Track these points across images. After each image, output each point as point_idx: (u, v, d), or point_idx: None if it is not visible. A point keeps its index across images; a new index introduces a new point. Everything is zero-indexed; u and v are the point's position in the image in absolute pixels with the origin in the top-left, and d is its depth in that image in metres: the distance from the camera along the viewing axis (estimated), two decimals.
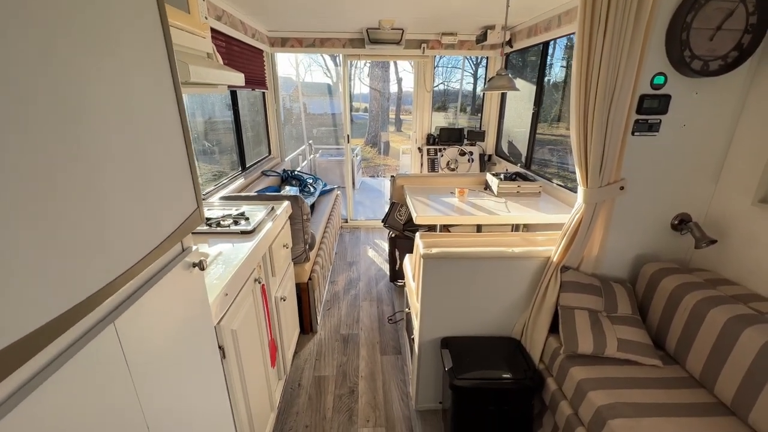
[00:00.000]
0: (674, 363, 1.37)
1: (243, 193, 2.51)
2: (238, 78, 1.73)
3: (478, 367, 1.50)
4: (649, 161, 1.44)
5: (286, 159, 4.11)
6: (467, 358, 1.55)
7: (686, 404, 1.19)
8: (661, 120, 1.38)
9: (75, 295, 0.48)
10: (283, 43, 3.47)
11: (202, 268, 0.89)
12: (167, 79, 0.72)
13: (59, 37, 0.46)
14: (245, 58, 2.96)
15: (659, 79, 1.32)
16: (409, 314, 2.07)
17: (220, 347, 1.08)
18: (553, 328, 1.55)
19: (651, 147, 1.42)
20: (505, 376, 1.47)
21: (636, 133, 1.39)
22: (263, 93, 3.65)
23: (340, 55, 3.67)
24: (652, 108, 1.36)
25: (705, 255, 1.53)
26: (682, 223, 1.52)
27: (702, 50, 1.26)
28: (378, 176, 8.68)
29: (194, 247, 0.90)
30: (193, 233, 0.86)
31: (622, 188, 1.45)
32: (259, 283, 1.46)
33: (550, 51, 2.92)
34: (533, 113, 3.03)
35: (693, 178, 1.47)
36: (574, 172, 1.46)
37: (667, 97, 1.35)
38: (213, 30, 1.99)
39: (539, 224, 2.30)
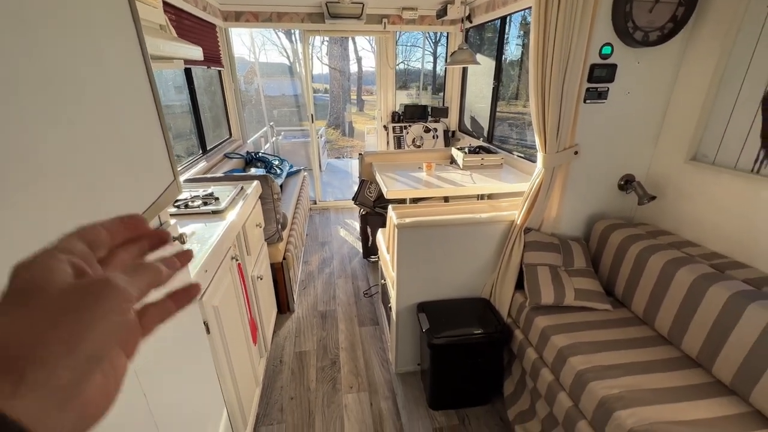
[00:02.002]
0: (622, 306, 1.55)
1: (209, 175, 2.42)
2: (195, 51, 1.65)
3: (452, 327, 1.61)
4: (599, 127, 1.57)
5: (248, 141, 3.97)
6: (442, 319, 1.66)
7: (632, 339, 1.37)
8: (608, 88, 1.50)
9: None
10: (238, 17, 3.29)
11: (183, 242, 0.89)
12: (135, 45, 0.70)
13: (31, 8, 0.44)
14: (198, 33, 2.79)
15: (607, 50, 1.43)
16: (384, 286, 2.14)
17: (204, 323, 1.08)
18: (519, 286, 1.68)
19: (600, 114, 1.55)
20: (477, 332, 1.59)
21: (587, 101, 1.51)
22: (219, 72, 3.47)
23: (298, 32, 3.55)
24: (601, 77, 1.47)
25: (646, 210, 1.71)
26: (627, 183, 1.68)
27: (643, 22, 1.38)
28: (344, 157, 8.60)
29: (172, 222, 0.89)
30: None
31: (576, 153, 1.58)
32: (236, 261, 1.46)
33: (507, 27, 3.01)
34: (493, 88, 3.13)
35: (636, 141, 1.62)
36: (533, 147, 1.57)
37: (614, 66, 1.47)
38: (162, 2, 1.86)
39: (502, 193, 2.43)
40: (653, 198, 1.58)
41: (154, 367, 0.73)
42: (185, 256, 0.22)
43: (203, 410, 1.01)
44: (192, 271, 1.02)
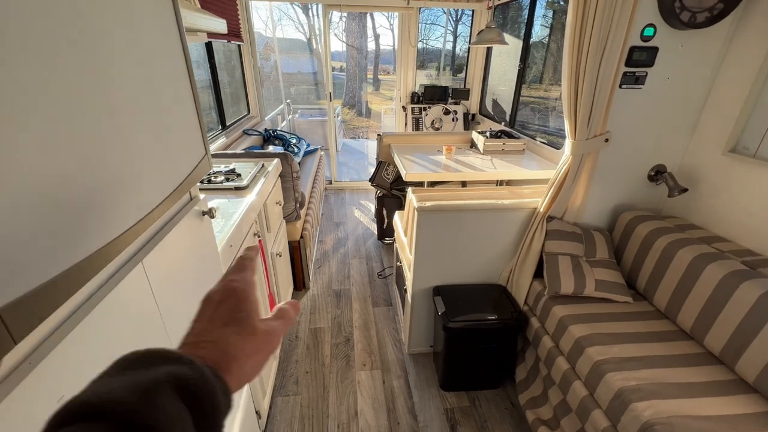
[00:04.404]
0: (643, 299, 1.53)
1: (229, 151, 2.44)
2: (220, 24, 1.63)
3: (468, 311, 1.62)
4: (633, 114, 1.51)
5: (266, 118, 3.96)
6: (458, 303, 1.66)
7: (652, 332, 1.35)
8: (647, 73, 1.43)
9: (115, 228, 0.49)
10: None
11: (212, 216, 0.90)
12: (171, 20, 0.69)
13: None
14: (218, 5, 2.74)
15: (649, 31, 1.35)
16: (399, 268, 2.15)
17: None
18: (537, 274, 1.67)
19: (636, 100, 1.48)
20: (492, 317, 1.60)
21: (623, 86, 1.44)
22: (239, 46, 3.43)
23: (317, 7, 3.45)
24: (640, 60, 1.40)
25: (676, 203, 1.65)
26: (658, 174, 1.62)
27: (691, 1, 1.29)
28: (359, 138, 8.52)
29: (202, 196, 0.90)
30: None
31: (606, 140, 1.52)
32: (258, 237, 1.48)
33: (540, 4, 2.87)
34: (519, 70, 3.02)
35: (671, 130, 1.55)
36: (555, 133, 1.51)
37: (655, 50, 1.39)
38: None
39: (523, 180, 2.38)
40: (685, 190, 1.52)
41: (183, 331, 0.75)
42: (297, 306, 0.37)
43: None
44: (219, 245, 1.04)
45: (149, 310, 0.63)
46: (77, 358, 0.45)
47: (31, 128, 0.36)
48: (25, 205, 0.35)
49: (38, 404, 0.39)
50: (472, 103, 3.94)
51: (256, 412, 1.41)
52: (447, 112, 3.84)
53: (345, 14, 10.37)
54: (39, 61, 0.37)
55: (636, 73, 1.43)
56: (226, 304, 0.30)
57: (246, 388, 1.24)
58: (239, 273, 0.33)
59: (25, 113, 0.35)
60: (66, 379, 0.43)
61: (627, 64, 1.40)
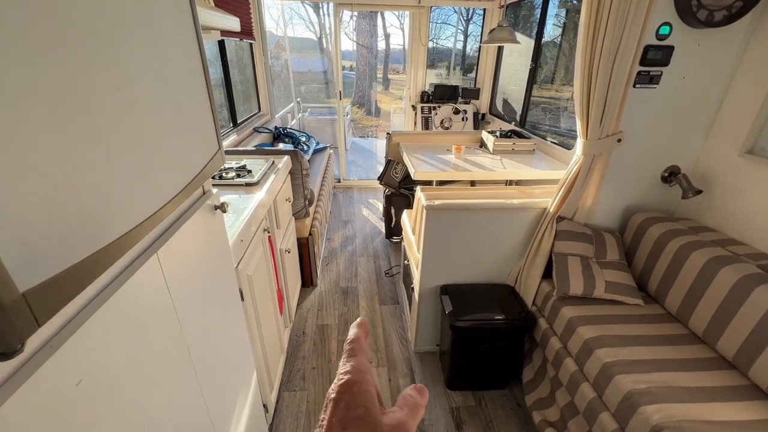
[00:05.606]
0: (654, 302, 1.51)
1: (240, 148, 2.47)
2: (233, 22, 1.65)
3: (475, 311, 1.61)
4: (647, 114, 1.49)
5: (276, 116, 3.99)
6: (465, 302, 1.66)
7: (663, 336, 1.33)
8: (662, 72, 1.41)
9: (133, 219, 0.50)
10: None
11: (224, 211, 0.91)
12: (188, 17, 0.70)
13: None
14: (232, 3, 2.77)
15: (665, 29, 1.33)
16: (407, 267, 2.16)
17: (239, 291, 1.12)
18: (546, 275, 1.66)
19: (650, 100, 1.46)
20: (500, 317, 1.59)
21: (637, 86, 1.42)
22: (251, 45, 3.46)
23: (329, 5, 3.47)
24: (655, 59, 1.38)
25: (690, 205, 1.63)
26: (671, 175, 1.60)
27: None
28: (369, 137, 8.54)
29: (214, 191, 0.91)
30: None
31: (619, 140, 1.50)
32: (267, 233, 1.49)
33: (551, 3, 2.84)
34: (530, 69, 2.99)
35: (686, 131, 1.53)
36: (565, 134, 1.50)
37: (671, 49, 1.37)
38: None
39: (533, 180, 2.36)
40: (699, 192, 1.49)
41: (193, 321, 0.77)
42: (423, 390, 0.30)
43: (238, 373, 1.07)
44: (230, 240, 1.05)
45: (163, 299, 0.64)
46: (96, 344, 0.47)
47: (56, 121, 0.37)
48: (49, 193, 0.36)
49: (58, 387, 0.41)
50: (483, 103, 3.92)
51: (264, 406, 1.42)
52: (457, 112, 3.83)
53: (355, 13, 10.38)
54: (62, 56, 0.38)
55: (650, 73, 1.41)
56: (343, 403, 0.27)
57: (254, 380, 1.26)
58: (349, 361, 0.30)
59: (50, 107, 0.37)
60: (85, 363, 0.45)
61: (641, 63, 1.38)
